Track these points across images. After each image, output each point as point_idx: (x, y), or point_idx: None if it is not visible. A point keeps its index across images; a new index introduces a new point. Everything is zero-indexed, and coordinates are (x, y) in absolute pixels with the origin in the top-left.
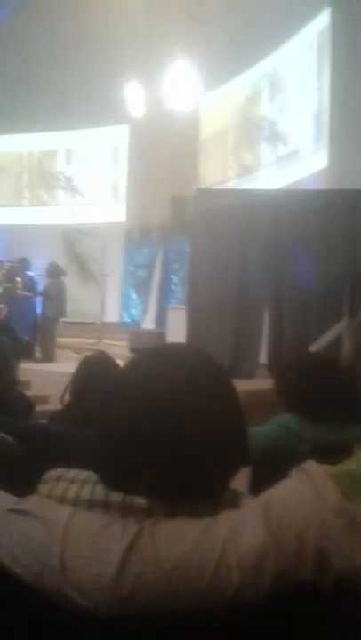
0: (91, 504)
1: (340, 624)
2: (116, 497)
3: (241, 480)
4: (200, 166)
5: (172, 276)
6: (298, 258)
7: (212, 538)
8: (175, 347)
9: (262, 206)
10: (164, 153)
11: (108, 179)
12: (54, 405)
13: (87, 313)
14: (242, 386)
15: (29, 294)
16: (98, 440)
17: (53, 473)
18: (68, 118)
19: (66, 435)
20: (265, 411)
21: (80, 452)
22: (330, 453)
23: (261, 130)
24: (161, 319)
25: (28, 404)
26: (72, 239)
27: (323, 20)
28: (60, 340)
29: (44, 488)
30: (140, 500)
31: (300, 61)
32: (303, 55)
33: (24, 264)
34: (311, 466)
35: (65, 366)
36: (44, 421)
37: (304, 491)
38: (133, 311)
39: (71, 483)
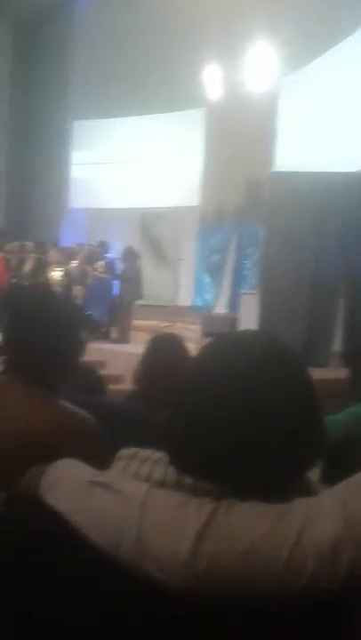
0: (163, 484)
1: None
2: (188, 480)
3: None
4: (277, 150)
5: (246, 261)
6: None
7: (287, 522)
8: (249, 333)
9: (339, 190)
10: (240, 136)
11: (184, 162)
12: (128, 385)
13: (161, 296)
14: (314, 374)
15: (108, 277)
16: (169, 422)
17: (127, 451)
18: (146, 103)
19: (139, 413)
20: (338, 400)
21: (152, 431)
22: None
23: None
24: (233, 304)
25: (99, 382)
26: (148, 223)
27: None
28: (135, 323)
29: (118, 465)
30: (212, 485)
31: None
32: None
33: (104, 247)
34: None
35: (139, 348)
36: (120, 400)
37: None
38: (206, 295)
39: (144, 462)
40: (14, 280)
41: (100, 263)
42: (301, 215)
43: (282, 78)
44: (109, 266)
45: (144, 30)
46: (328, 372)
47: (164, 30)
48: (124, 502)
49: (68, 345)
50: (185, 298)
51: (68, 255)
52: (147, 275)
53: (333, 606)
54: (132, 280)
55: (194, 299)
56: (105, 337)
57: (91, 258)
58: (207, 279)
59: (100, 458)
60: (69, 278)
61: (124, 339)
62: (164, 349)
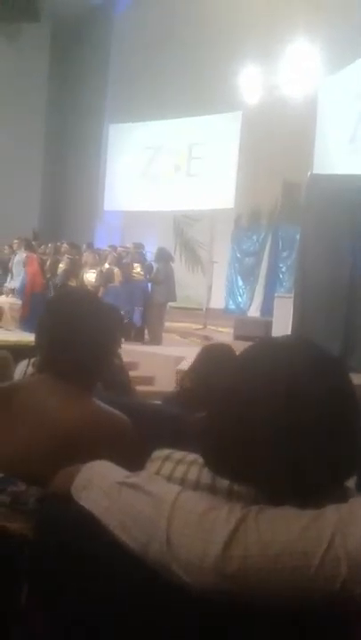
0: (197, 486)
1: None
2: (223, 483)
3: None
4: (315, 153)
5: (280, 264)
6: None
7: (319, 528)
8: (290, 340)
9: None
10: (277, 139)
11: (220, 165)
12: (159, 387)
13: (193, 298)
14: (352, 379)
15: (141, 278)
16: (206, 425)
17: (161, 452)
18: (183, 106)
19: (176, 416)
20: None
21: (188, 435)
22: None
23: None
24: (266, 308)
25: (126, 382)
26: (182, 225)
27: None
28: (167, 325)
29: (152, 466)
30: (247, 489)
31: None
32: None
33: (140, 249)
34: None
35: (171, 350)
36: (158, 402)
37: None
38: (239, 298)
39: (178, 463)
40: (49, 281)
41: (137, 265)
42: (339, 218)
43: (321, 80)
44: (147, 268)
45: (181, 33)
46: None
47: (201, 33)
48: (155, 504)
49: (105, 346)
50: (218, 301)
51: (102, 257)
52: (180, 277)
53: None
54: (165, 282)
55: (226, 301)
56: (138, 338)
57: (120, 260)
58: (240, 282)
59: (133, 458)
60: (102, 280)
61: (156, 340)
62: (215, 359)
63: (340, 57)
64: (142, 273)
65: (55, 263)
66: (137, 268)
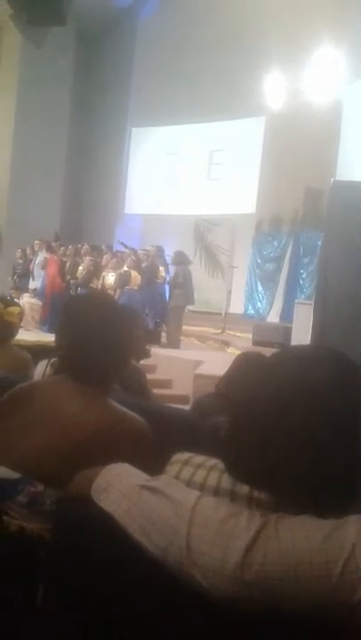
0: (217, 491)
1: None
2: (243, 489)
3: None
4: (339, 159)
5: (301, 270)
6: None
7: (341, 538)
8: (312, 349)
9: None
10: (300, 145)
11: (242, 170)
12: (176, 390)
13: (212, 303)
14: None
15: (160, 281)
16: (228, 431)
17: (181, 456)
18: (206, 111)
19: (195, 421)
20: None
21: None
22: None
23: None
24: (286, 313)
25: (144, 384)
26: (202, 229)
27: None
28: (185, 328)
29: (171, 470)
30: (267, 496)
31: None
32: None
33: (161, 252)
34: None
35: (189, 354)
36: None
37: None
38: (259, 304)
39: (198, 468)
40: (68, 282)
41: (161, 268)
42: None
43: (345, 86)
44: (168, 271)
45: (205, 38)
46: None
47: (225, 38)
48: (175, 509)
49: (124, 348)
50: (237, 305)
51: (122, 259)
52: (200, 281)
53: None
54: (183, 285)
55: (245, 306)
56: (156, 341)
57: (139, 263)
58: (260, 287)
59: (150, 460)
60: (120, 282)
61: (174, 344)
62: (247, 366)
63: None
64: (164, 276)
65: (75, 265)
66: (162, 272)
